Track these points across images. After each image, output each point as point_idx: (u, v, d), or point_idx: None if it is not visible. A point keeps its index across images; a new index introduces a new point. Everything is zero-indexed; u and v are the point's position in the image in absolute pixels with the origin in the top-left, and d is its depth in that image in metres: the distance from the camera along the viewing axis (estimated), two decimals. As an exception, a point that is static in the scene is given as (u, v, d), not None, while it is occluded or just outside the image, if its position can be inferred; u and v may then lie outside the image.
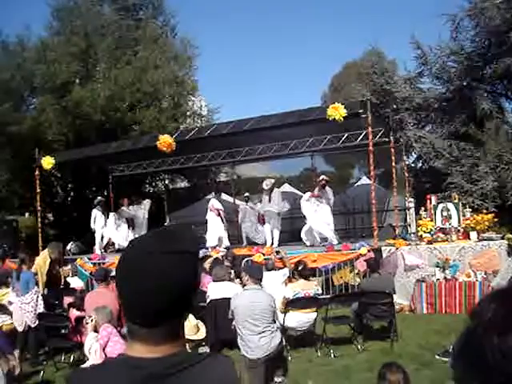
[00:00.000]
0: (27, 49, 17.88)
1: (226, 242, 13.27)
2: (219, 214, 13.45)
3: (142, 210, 15.22)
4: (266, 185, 12.73)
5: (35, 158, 13.98)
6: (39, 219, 14.63)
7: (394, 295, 7.50)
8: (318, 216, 12.12)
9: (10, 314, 7.59)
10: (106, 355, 5.25)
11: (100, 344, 5.31)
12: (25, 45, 17.97)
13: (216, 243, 12.85)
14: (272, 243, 12.42)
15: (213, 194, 15.33)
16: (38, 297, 7.95)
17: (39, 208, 14.44)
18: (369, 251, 10.13)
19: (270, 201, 12.73)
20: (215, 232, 13.20)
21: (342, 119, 10.38)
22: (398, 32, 68.62)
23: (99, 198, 14.98)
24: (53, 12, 20.44)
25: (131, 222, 14.90)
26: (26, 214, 21.22)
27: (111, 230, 14.56)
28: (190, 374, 1.24)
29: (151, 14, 21.83)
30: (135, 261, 1.26)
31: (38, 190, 14.18)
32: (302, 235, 12.47)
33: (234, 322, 5.86)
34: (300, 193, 18.53)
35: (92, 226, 14.29)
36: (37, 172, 14.05)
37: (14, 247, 16.08)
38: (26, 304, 7.68)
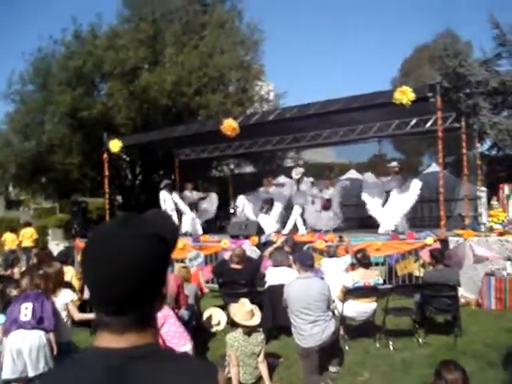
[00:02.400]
0: (98, 36, 18.38)
1: (287, 227, 13.28)
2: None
3: (208, 203, 15.29)
4: (296, 174, 13.09)
5: (104, 141, 14.42)
6: (107, 201, 15.11)
7: (458, 288, 7.14)
8: (389, 203, 11.86)
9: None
10: (161, 336, 5.32)
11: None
12: (96, 32, 18.48)
13: (276, 228, 12.92)
14: (293, 229, 12.73)
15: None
16: None
17: (107, 190, 14.90)
18: (435, 241, 9.74)
19: (298, 190, 13.15)
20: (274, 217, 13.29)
21: (410, 103, 9.97)
22: (474, 11, 65.18)
23: (166, 180, 15.24)
24: (123, 0, 20.97)
25: (194, 207, 15.06)
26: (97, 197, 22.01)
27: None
28: (153, 370, 1.15)
29: (218, -1, 21.88)
30: (98, 245, 1.20)
31: (107, 173, 14.64)
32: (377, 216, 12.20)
33: (287, 310, 5.79)
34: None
35: (162, 207, 14.59)
36: (105, 155, 14.49)
37: (84, 228, 16.72)
38: None
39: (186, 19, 19.92)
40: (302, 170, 13.37)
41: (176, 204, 14.68)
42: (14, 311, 4.95)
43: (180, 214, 14.82)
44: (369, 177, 12.83)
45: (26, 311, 4.90)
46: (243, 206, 14.43)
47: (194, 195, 15.18)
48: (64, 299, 5.68)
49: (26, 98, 18.47)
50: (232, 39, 20.02)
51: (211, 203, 15.42)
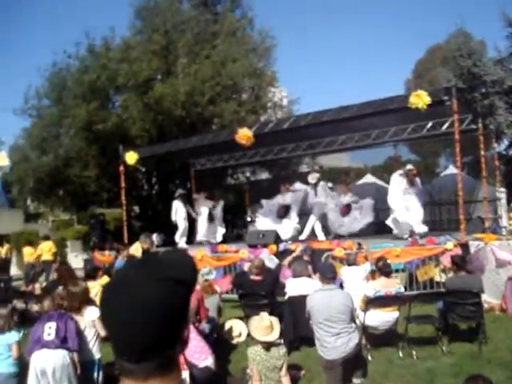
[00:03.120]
0: (112, 49, 18.57)
1: (304, 234, 13.27)
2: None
3: (216, 209, 15.31)
4: (312, 179, 13.19)
5: (119, 153, 14.52)
6: (124, 212, 15.21)
7: (482, 295, 7.03)
8: (407, 207, 11.72)
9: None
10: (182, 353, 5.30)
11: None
12: (109, 46, 18.67)
13: (292, 235, 12.93)
14: (311, 235, 12.86)
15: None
16: None
17: (124, 201, 15.01)
18: (455, 246, 9.62)
19: (316, 194, 13.19)
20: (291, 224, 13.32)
21: (426, 107, 9.88)
22: (487, 10, 64.58)
23: (180, 190, 15.32)
24: (135, 12, 21.18)
25: (209, 216, 15.08)
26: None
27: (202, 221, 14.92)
28: None
29: (229, 8, 22.00)
30: (117, 292, 1.18)
31: (123, 185, 14.73)
32: (389, 223, 12.08)
33: (310, 322, 5.75)
34: (383, 183, 18.07)
35: (173, 217, 14.65)
36: (121, 167, 14.59)
37: (102, 239, 16.84)
38: None
39: (197, 29, 20.06)
40: (317, 174, 13.36)
41: (189, 214, 14.75)
42: (38, 331, 4.97)
43: (193, 222, 14.90)
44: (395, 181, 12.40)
45: (49, 330, 4.92)
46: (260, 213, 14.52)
47: (207, 204, 15.19)
48: (90, 317, 5.69)
49: (43, 113, 18.72)
50: (244, 47, 20.11)
51: (218, 209, 15.42)
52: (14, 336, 5.11)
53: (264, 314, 6.06)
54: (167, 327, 1.17)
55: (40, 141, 18.23)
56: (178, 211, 14.67)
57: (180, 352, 1.27)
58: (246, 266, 9.40)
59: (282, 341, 6.00)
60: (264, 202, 14.55)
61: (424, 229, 11.47)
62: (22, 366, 5.04)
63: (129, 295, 1.15)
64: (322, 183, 13.21)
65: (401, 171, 11.90)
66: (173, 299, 1.18)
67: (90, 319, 5.62)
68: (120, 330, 1.17)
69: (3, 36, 76.21)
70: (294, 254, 9.59)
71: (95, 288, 8.54)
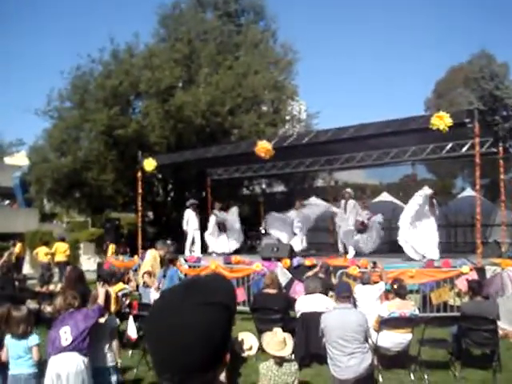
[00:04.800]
0: (135, 55, 18.78)
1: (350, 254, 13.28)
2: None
3: (232, 217, 15.31)
4: (344, 195, 13.15)
5: (138, 160, 14.63)
6: (139, 218, 15.30)
7: (498, 322, 6.96)
8: (422, 229, 11.61)
9: None
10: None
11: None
12: (133, 52, 18.89)
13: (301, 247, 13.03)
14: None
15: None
16: None
17: (140, 208, 15.10)
18: (471, 270, 9.54)
19: (345, 210, 13.03)
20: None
21: (447, 129, 9.86)
22: (511, 32, 64.39)
23: (191, 200, 15.32)
24: (160, 20, 21.42)
25: (223, 226, 15.09)
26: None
27: (209, 232, 14.94)
28: None
29: (252, 20, 22.18)
30: (163, 316, 1.21)
31: (140, 191, 14.84)
32: (402, 243, 11.98)
33: (323, 340, 5.73)
34: (399, 202, 17.99)
35: (184, 227, 14.65)
36: (139, 174, 14.70)
37: (116, 244, 16.96)
38: None
39: (220, 39, 20.23)
40: (350, 190, 13.35)
41: (200, 223, 14.79)
42: (54, 335, 5.02)
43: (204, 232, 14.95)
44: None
45: (65, 335, 4.97)
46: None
47: (222, 215, 15.20)
48: (112, 324, 5.73)
49: (64, 115, 18.92)
50: (266, 59, 20.22)
51: (233, 215, 15.40)
52: (34, 339, 5.18)
53: (278, 329, 6.06)
54: (211, 350, 1.20)
55: (60, 142, 18.40)
56: (190, 221, 14.67)
57: (220, 374, 1.30)
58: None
59: (294, 358, 5.99)
60: (276, 215, 14.62)
61: (436, 255, 11.30)
62: (41, 367, 5.11)
63: (176, 320, 1.19)
64: (351, 201, 13.06)
65: (422, 192, 11.76)
66: (219, 324, 1.22)
67: (109, 327, 5.64)
68: (165, 353, 1.20)
69: (28, 39, 77.52)
70: (315, 270, 9.64)
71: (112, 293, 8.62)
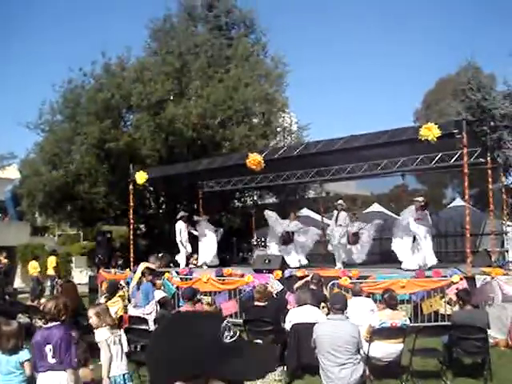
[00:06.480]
0: (126, 69, 18.84)
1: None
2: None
3: (214, 234, 15.13)
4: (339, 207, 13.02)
5: (130, 172, 14.66)
6: (131, 230, 15.29)
7: (488, 330, 7.01)
8: (418, 238, 11.73)
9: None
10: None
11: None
12: (124, 65, 18.95)
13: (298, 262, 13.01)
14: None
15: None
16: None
17: (132, 220, 15.11)
18: (461, 279, 9.61)
19: (336, 221, 12.94)
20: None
21: (436, 139, 9.99)
22: (497, 44, 65.16)
23: (182, 212, 15.33)
24: (151, 33, 21.53)
25: (210, 239, 15.05)
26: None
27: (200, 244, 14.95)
28: None
29: (243, 33, 22.32)
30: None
31: (132, 204, 14.86)
32: (397, 252, 12.06)
33: (316, 351, 5.76)
34: (390, 212, 18.11)
35: (177, 239, 14.68)
36: (131, 186, 14.73)
37: (108, 256, 16.92)
38: (148, 315, 8.06)
39: (211, 52, 20.32)
40: (342, 202, 13.36)
41: (191, 234, 14.82)
42: (40, 352, 4.84)
43: (196, 244, 14.94)
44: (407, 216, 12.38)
45: (51, 353, 4.81)
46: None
47: (209, 227, 15.16)
48: (100, 337, 5.67)
49: (55, 128, 18.90)
50: (256, 72, 20.33)
51: (217, 236, 15.28)
52: (25, 354, 5.04)
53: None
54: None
55: (51, 156, 18.37)
56: (182, 232, 14.71)
57: None
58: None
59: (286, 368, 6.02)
60: (270, 227, 14.60)
61: (434, 261, 11.45)
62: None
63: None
64: (343, 212, 13.09)
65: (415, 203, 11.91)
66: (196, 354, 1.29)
67: (99, 339, 5.59)
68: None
69: (17, 50, 77.39)
70: (305, 279, 9.68)
71: (117, 303, 8.62)
